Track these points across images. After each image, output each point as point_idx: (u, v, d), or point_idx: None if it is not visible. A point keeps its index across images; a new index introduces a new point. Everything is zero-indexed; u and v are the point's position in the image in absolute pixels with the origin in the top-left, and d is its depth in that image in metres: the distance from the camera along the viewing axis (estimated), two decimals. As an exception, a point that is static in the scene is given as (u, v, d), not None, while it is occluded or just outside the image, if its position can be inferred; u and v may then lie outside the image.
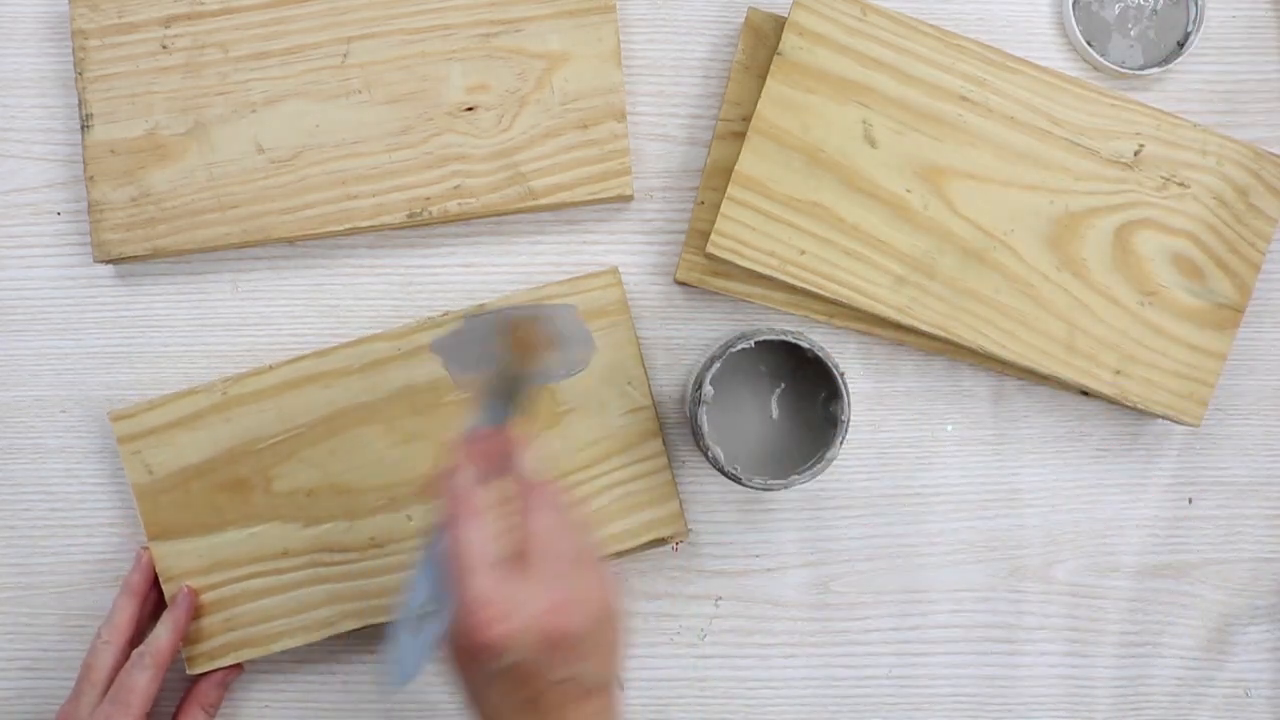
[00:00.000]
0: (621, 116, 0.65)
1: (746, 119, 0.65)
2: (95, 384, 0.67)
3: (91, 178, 0.64)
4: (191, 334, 0.67)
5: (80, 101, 0.64)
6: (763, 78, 0.64)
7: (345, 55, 0.65)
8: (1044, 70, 0.65)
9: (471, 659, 0.48)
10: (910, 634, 0.68)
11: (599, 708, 0.50)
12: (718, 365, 0.60)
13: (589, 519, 0.54)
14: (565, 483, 0.64)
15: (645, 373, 0.66)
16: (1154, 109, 0.65)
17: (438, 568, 0.50)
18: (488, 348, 0.56)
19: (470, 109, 0.65)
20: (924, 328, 0.64)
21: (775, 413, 0.65)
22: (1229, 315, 0.65)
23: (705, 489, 0.68)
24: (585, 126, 0.65)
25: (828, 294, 0.64)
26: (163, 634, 0.62)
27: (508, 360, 0.56)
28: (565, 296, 0.65)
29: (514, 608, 0.47)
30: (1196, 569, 0.69)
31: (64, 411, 0.67)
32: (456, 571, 0.48)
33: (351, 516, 0.64)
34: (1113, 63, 0.68)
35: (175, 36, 0.65)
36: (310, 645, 0.65)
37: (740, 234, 0.63)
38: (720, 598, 0.68)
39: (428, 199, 0.65)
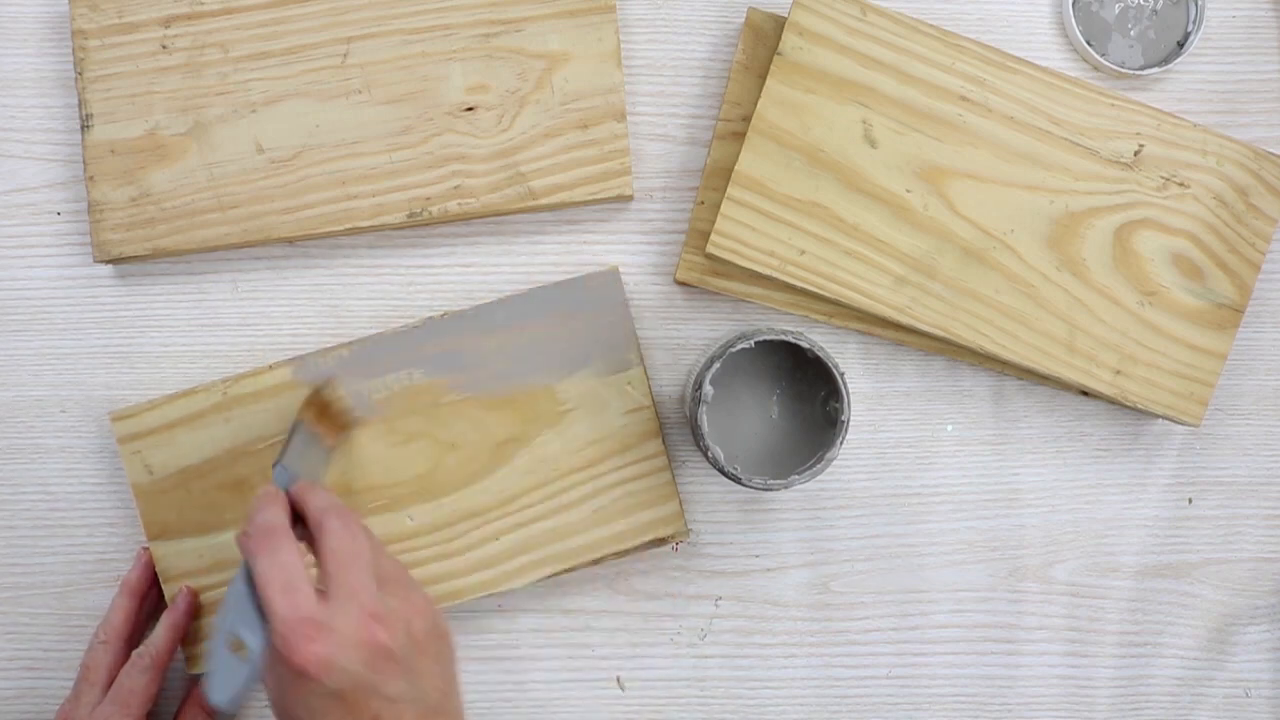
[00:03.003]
0: (621, 116, 0.65)
1: (746, 119, 0.65)
2: (95, 384, 0.67)
3: (91, 178, 0.64)
4: (191, 334, 0.67)
5: (80, 101, 0.64)
6: (763, 78, 0.64)
7: (345, 55, 0.65)
8: (1044, 70, 0.65)
9: (297, 685, 0.46)
10: (910, 634, 0.68)
11: None
12: (718, 365, 0.60)
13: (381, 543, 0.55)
14: (562, 484, 0.65)
15: (645, 373, 0.66)
16: (1154, 109, 0.65)
17: (248, 599, 0.49)
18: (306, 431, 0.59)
19: (470, 109, 0.65)
20: (924, 328, 0.64)
21: (775, 413, 0.65)
22: (1229, 315, 0.65)
23: (705, 489, 0.68)
24: (585, 126, 0.65)
25: (828, 294, 0.64)
26: (162, 635, 0.62)
27: (313, 432, 0.60)
28: (566, 296, 0.65)
29: (327, 622, 0.45)
30: (1196, 569, 0.69)
31: (64, 411, 0.67)
32: (266, 598, 0.46)
33: (351, 516, 0.64)
34: (1113, 63, 0.68)
35: (175, 36, 0.65)
36: (310, 645, 0.65)
37: (740, 234, 0.63)
38: (720, 598, 0.68)
39: (428, 199, 0.65)
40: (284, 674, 0.47)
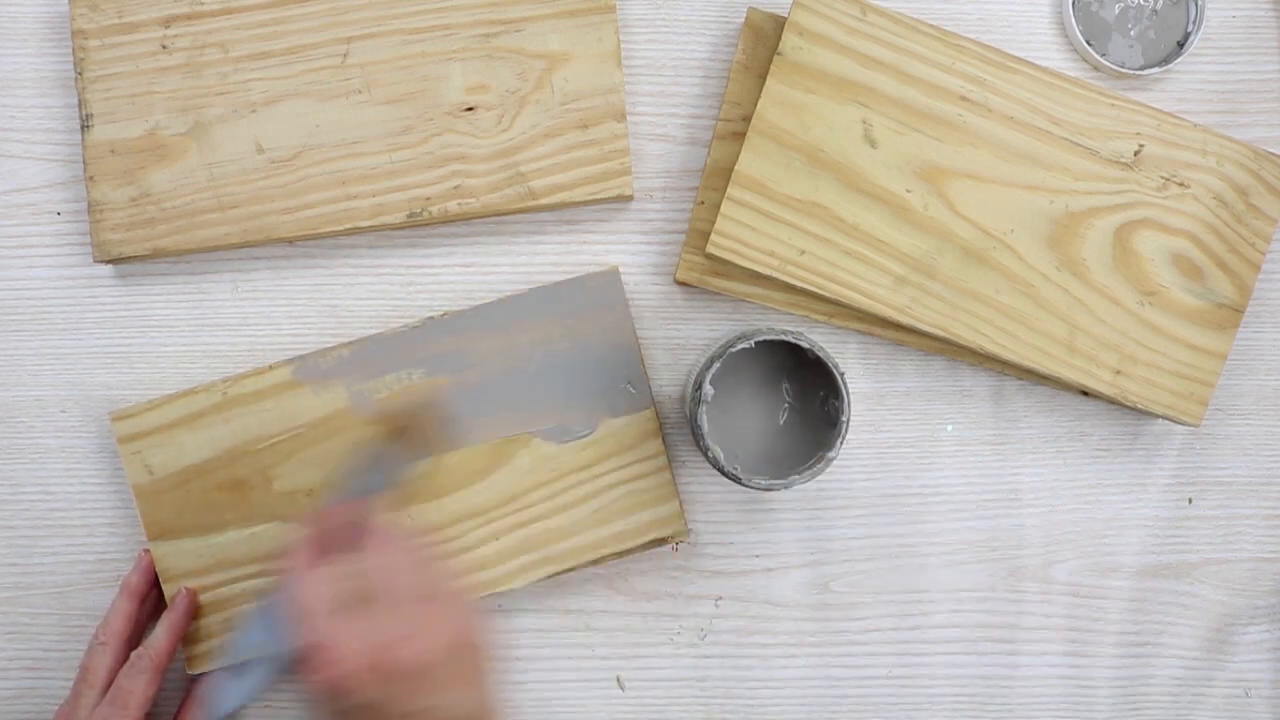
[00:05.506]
0: (621, 116, 0.65)
1: (746, 119, 0.65)
2: (95, 384, 0.67)
3: (91, 178, 0.64)
4: (191, 334, 0.67)
5: (80, 101, 0.64)
6: (763, 78, 0.64)
7: (345, 55, 0.65)
8: (1044, 70, 0.65)
9: (323, 699, 0.50)
10: (910, 634, 0.68)
11: None
12: (718, 365, 0.60)
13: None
14: (562, 484, 0.65)
15: (645, 373, 0.66)
16: (1154, 109, 0.65)
17: (276, 617, 0.53)
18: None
19: (470, 109, 0.65)
20: (924, 328, 0.64)
21: (775, 412, 0.65)
22: (1229, 315, 0.65)
23: (705, 489, 0.68)
24: (585, 126, 0.65)
25: (828, 294, 0.64)
26: (161, 636, 0.62)
27: (380, 445, 0.60)
28: (566, 296, 0.65)
29: (346, 647, 0.49)
30: (1196, 569, 0.69)
31: (64, 411, 0.67)
32: (294, 619, 0.51)
33: (351, 516, 0.64)
34: (1113, 63, 0.68)
35: (175, 36, 0.65)
36: (310, 645, 0.65)
37: (740, 234, 0.63)
38: (720, 598, 0.68)
39: (428, 199, 0.65)
40: (311, 688, 0.51)
